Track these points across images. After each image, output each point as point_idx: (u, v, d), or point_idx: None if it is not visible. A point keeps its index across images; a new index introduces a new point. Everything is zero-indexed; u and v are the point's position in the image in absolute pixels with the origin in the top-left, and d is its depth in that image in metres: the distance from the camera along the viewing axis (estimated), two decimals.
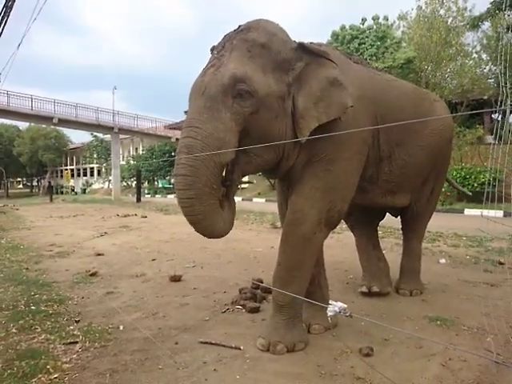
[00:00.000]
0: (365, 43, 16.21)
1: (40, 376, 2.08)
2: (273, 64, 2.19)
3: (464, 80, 14.56)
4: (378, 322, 2.48)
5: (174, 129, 26.07)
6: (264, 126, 2.14)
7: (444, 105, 3.50)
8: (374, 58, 15.29)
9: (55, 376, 2.09)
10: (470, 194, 5.26)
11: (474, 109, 14.81)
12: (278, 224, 7.42)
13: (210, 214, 2.03)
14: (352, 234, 3.71)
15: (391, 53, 15.39)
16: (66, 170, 29.79)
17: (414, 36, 15.60)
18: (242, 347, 2.37)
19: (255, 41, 2.16)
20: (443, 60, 14.59)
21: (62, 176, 39.93)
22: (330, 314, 2.12)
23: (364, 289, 3.29)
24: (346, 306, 2.02)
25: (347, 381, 2.00)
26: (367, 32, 16.51)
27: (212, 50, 2.30)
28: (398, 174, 2.92)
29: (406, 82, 3.57)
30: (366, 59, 12.39)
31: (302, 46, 2.27)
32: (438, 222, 4.54)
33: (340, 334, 2.56)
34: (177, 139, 24.04)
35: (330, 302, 2.16)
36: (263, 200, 16.10)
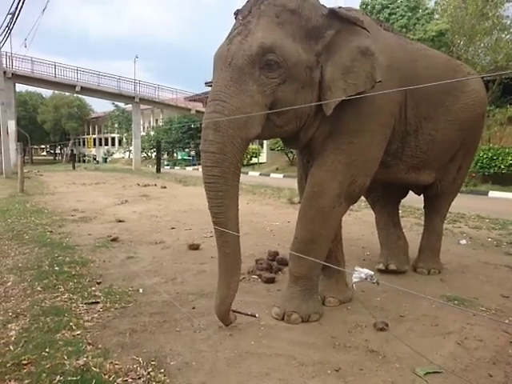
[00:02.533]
0: (395, 13, 15.44)
1: (64, 332, 2.19)
2: (303, 31, 2.09)
3: (498, 56, 13.74)
4: (396, 296, 2.47)
5: (195, 101, 25.91)
6: (289, 96, 2.07)
7: (479, 79, 3.32)
8: (405, 29, 14.58)
9: (78, 333, 2.19)
10: None
11: (506, 87, 14.06)
12: (296, 199, 7.39)
13: (229, 194, 2.02)
14: (372, 210, 3.66)
15: (422, 24, 14.62)
16: (89, 137, 30.19)
17: (447, 7, 14.71)
18: (257, 315, 2.41)
19: (285, 6, 2.06)
20: (478, 34, 13.74)
21: (84, 144, 40.69)
22: (355, 280, 2.09)
23: (381, 266, 3.27)
24: (372, 272, 1.99)
25: (361, 353, 2.02)
26: (398, 2, 15.69)
27: (236, 14, 2.20)
28: (425, 150, 2.82)
29: (439, 52, 3.38)
30: None
31: (333, 12, 2.15)
32: (460, 203, 4.41)
33: (355, 308, 2.57)
34: (196, 111, 23.98)
35: (356, 268, 2.13)
36: (281, 175, 16.00)
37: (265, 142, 19.68)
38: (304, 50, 2.09)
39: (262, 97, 2.00)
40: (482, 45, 14.46)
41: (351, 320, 2.39)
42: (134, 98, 21.55)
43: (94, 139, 39.44)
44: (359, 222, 5.46)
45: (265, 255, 3.64)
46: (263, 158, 21.07)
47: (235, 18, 2.20)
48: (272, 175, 16.46)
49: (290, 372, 1.84)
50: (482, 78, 3.24)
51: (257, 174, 17.17)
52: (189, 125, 24.27)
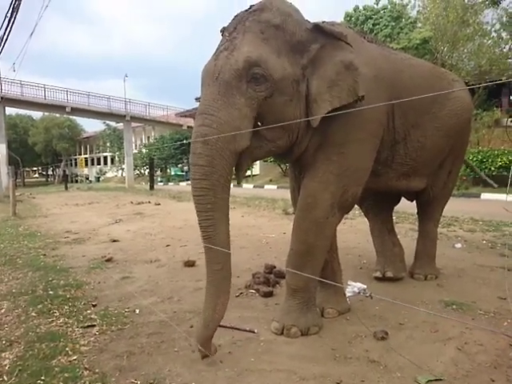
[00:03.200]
0: (379, 24, 15.80)
1: (59, 358, 2.14)
2: (287, 46, 2.13)
3: (482, 61, 14.07)
4: (395, 305, 2.46)
5: (185, 116, 26.06)
6: (278, 110, 2.10)
7: (463, 85, 3.39)
8: (389, 38, 14.89)
9: (74, 358, 2.14)
10: (496, 185, 4.63)
11: (491, 91, 14.35)
12: (290, 210, 7.40)
13: (218, 207, 2.00)
14: (366, 218, 3.67)
15: (406, 33, 14.95)
16: (81, 157, 30.11)
17: (429, 15, 15.07)
18: (256, 330, 2.39)
19: (269, 22, 2.10)
20: (460, 40, 14.08)
21: (76, 165, 40.54)
22: (348, 294, 2.09)
23: (378, 274, 3.27)
24: (365, 286, 1.99)
25: (362, 364, 2.00)
26: (381, 12, 16.08)
27: (222, 31, 2.24)
28: (414, 157, 2.86)
29: (422, 60, 3.45)
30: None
31: (317, 27, 2.20)
32: (453, 207, 4.45)
33: (354, 319, 2.55)
34: (188, 127, 24.11)
35: (349, 282, 2.13)
36: (275, 187, 16.05)
37: None
38: (290, 64, 2.12)
39: (250, 110, 2.02)
40: (466, 50, 14.80)
41: (351, 331, 2.38)
42: (124, 116, 21.66)
43: (86, 159, 39.35)
44: (354, 230, 5.48)
45: (262, 268, 3.62)
46: (256, 169, 21.15)
47: (222, 34, 2.24)
48: (266, 187, 16.52)
49: None
50: (469, 86, 3.30)
51: (251, 186, 17.21)
52: (181, 141, 24.35)
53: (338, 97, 2.20)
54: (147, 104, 23.90)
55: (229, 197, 2.09)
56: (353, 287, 2.01)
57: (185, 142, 24.41)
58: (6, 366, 2.10)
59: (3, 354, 2.23)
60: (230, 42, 2.08)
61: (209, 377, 1.93)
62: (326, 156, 2.33)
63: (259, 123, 2.08)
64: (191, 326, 2.52)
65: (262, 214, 7.74)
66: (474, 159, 11.01)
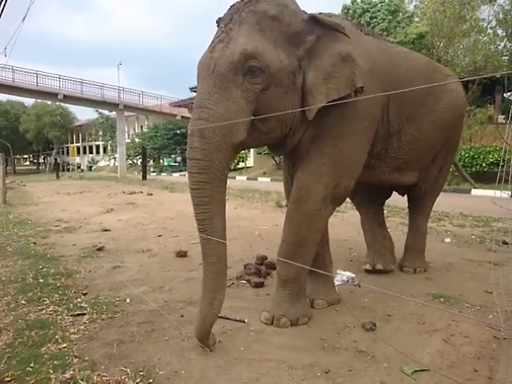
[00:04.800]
0: (376, 17, 15.75)
1: (49, 345, 2.14)
2: (284, 37, 2.11)
3: (477, 57, 14.12)
4: (383, 296, 2.50)
5: (179, 106, 25.83)
6: (274, 102, 2.08)
7: (457, 80, 3.40)
8: (385, 32, 14.87)
9: (64, 346, 2.14)
10: (476, 186, 5.04)
11: (485, 87, 14.43)
12: (283, 202, 7.42)
13: (215, 200, 2.00)
14: (357, 211, 3.70)
15: (403, 27, 14.94)
16: (73, 145, 29.69)
17: (426, 10, 15.05)
18: (246, 320, 2.41)
19: (265, 13, 2.07)
20: (456, 36, 14.11)
21: (68, 153, 40.06)
22: (337, 283, 2.11)
23: (368, 266, 3.30)
24: (354, 275, 2.01)
25: (350, 354, 2.03)
26: (379, 6, 16.02)
27: (218, 22, 2.22)
28: (407, 151, 2.87)
29: (419, 54, 3.45)
30: None
31: (313, 18, 2.18)
32: (444, 202, 4.50)
33: (343, 310, 2.58)
34: (182, 117, 23.91)
35: (338, 271, 2.15)
36: (268, 179, 16.05)
37: None
38: (286, 55, 2.11)
39: (246, 103, 2.01)
40: (461, 46, 14.84)
41: (340, 321, 2.41)
42: (117, 105, 21.39)
43: (78, 147, 38.85)
44: (346, 223, 5.52)
45: (253, 260, 3.64)
46: (250, 162, 21.13)
47: (217, 25, 2.21)
48: (259, 179, 16.51)
49: (280, 376, 1.84)
50: (462, 80, 3.34)
51: (244, 178, 17.19)
52: (174, 131, 24.16)
53: (336, 89, 2.19)
54: (141, 93, 23.63)
55: (225, 190, 2.09)
56: (342, 276, 2.03)
57: (178, 132, 24.25)
58: None
59: None
60: (225, 34, 2.06)
61: (198, 365, 1.94)
62: (320, 148, 2.33)
63: (253, 116, 2.07)
64: (182, 316, 2.54)
65: (255, 206, 7.75)
66: (466, 155, 11.11)
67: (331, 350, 2.08)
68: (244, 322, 2.40)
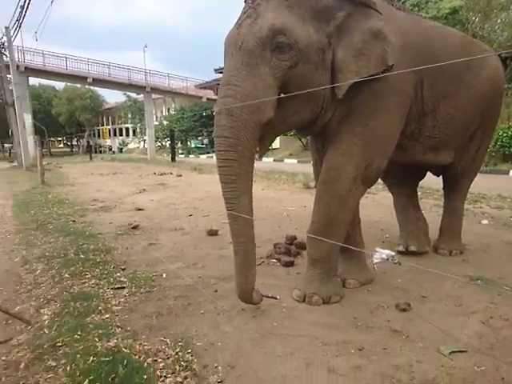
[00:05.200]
0: None
1: (93, 316, 2.27)
2: (312, 13, 2.06)
3: None
4: (418, 277, 2.46)
5: (205, 88, 25.79)
6: (303, 80, 2.05)
7: (496, 55, 3.21)
8: (417, 8, 14.07)
9: (106, 316, 2.27)
10: None
11: None
12: (311, 184, 7.35)
13: (243, 179, 2.02)
14: (390, 193, 3.62)
15: (435, 2, 14.08)
16: (104, 127, 30.33)
17: None
18: (278, 297, 2.45)
19: None
20: (493, 10, 13.15)
21: (99, 135, 41.19)
22: (376, 261, 2.08)
23: (401, 247, 3.24)
24: (394, 253, 1.97)
25: (384, 333, 2.03)
26: None
27: None
28: (443, 130, 2.76)
29: (453, 29, 3.27)
30: None
31: None
32: (481, 183, 4.31)
33: (376, 290, 2.57)
34: (207, 99, 23.90)
35: (377, 249, 2.12)
36: (295, 161, 15.92)
37: None
38: (315, 32, 2.05)
39: (274, 80, 1.99)
40: (499, 21, 13.81)
41: (373, 301, 2.40)
42: (145, 87, 21.59)
43: (109, 130, 39.82)
44: (377, 205, 5.42)
45: (282, 240, 3.66)
46: (276, 143, 20.93)
47: (245, 1, 2.18)
48: (286, 161, 16.42)
49: (314, 351, 1.87)
50: (500, 54, 3.15)
51: (270, 160, 17.12)
52: (200, 113, 24.22)
53: (366, 67, 2.13)
54: (167, 75, 23.73)
55: (253, 169, 2.10)
56: (381, 254, 1.99)
57: (204, 114, 24.29)
58: (45, 320, 2.25)
59: (42, 311, 2.39)
60: (253, 10, 2.02)
61: (234, 338, 2.01)
62: (351, 128, 2.28)
63: (282, 94, 2.05)
64: (216, 291, 2.61)
65: (282, 188, 7.73)
66: (504, 135, 10.53)
67: (364, 328, 2.09)
68: (276, 298, 2.45)
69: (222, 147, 1.99)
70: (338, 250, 2.47)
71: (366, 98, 2.23)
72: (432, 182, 4.01)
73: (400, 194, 3.45)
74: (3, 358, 1.88)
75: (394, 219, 3.54)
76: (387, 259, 1.97)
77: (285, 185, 8.19)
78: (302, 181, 8.16)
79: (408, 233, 3.31)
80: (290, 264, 3.11)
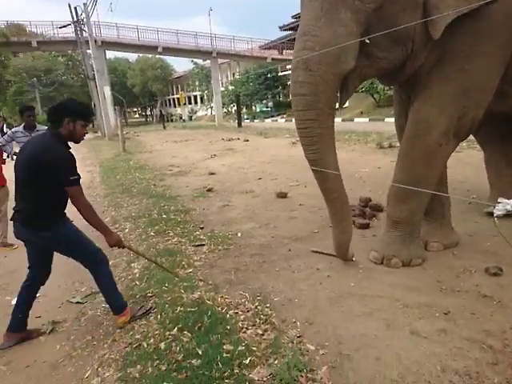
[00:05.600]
0: None
1: (178, 270, 2.45)
2: None
3: None
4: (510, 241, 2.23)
5: (269, 48, 25.12)
6: (389, 22, 1.85)
7: None
8: None
9: (190, 270, 2.45)
10: None
11: None
12: (385, 144, 6.94)
13: (325, 138, 1.95)
14: (481, 148, 3.26)
15: None
16: (181, 93, 31.40)
17: None
18: (354, 258, 2.41)
19: None
20: None
21: (170, 105, 42.93)
22: (498, 213, 1.88)
23: (491, 209, 2.95)
24: None
25: (471, 297, 1.91)
26: None
27: None
28: None
29: None
30: None
31: None
32: None
33: (462, 253, 2.40)
34: (272, 59, 23.30)
35: (500, 199, 1.91)
36: (366, 119, 15.04)
37: None
38: None
39: (357, 25, 1.83)
40: None
41: (459, 265, 2.25)
42: (211, 53, 21.71)
43: (179, 99, 41.22)
44: (462, 164, 4.94)
45: (356, 202, 3.54)
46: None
47: None
48: (356, 120, 15.59)
49: (395, 313, 1.82)
50: None
51: (339, 120, 16.39)
52: (265, 74, 23.77)
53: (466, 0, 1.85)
54: (232, 38, 23.53)
55: (334, 125, 2.01)
56: (504, 204, 1.76)
57: (269, 75, 23.82)
58: (136, 273, 2.50)
59: (132, 265, 2.65)
60: None
61: (310, 296, 2.04)
62: (445, 74, 2.04)
63: (367, 41, 1.88)
64: (289, 250, 2.66)
65: (353, 149, 7.42)
66: None
67: (450, 292, 1.98)
68: (352, 260, 2.41)
69: (300, 106, 1.91)
70: (422, 212, 2.31)
71: (464, 38, 1.96)
72: None
73: (493, 149, 3.10)
74: (103, 306, 2.14)
75: (481, 179, 3.23)
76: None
77: (356, 145, 7.84)
78: (375, 140, 7.74)
79: (500, 192, 2.98)
80: (365, 226, 3.02)
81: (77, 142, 1.84)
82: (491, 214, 2.94)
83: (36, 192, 1.72)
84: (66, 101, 1.87)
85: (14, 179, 1.79)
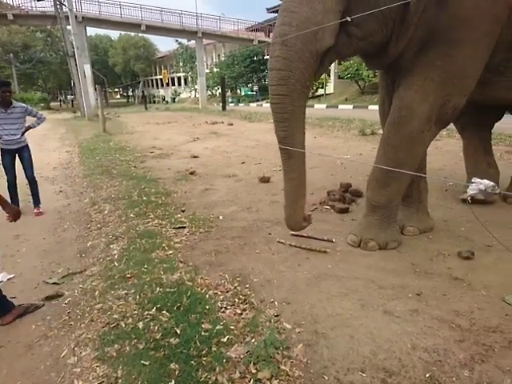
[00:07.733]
0: None
1: (158, 251, 2.45)
2: None
3: None
4: (482, 226, 2.31)
5: (256, 31, 24.71)
6: (370, 0, 1.83)
7: None
8: None
9: (170, 252, 2.44)
10: None
11: None
12: (368, 131, 7.00)
13: (295, 115, 1.92)
14: (460, 136, 3.34)
15: None
16: (164, 71, 30.59)
17: None
18: (334, 240, 2.45)
19: None
20: None
21: (153, 86, 41.93)
22: (471, 192, 1.90)
23: (465, 195, 3.04)
24: (493, 183, 1.76)
25: (444, 280, 1.98)
26: None
27: None
28: None
29: None
30: None
31: None
32: None
33: (436, 238, 2.48)
34: (259, 41, 22.95)
35: (474, 179, 1.93)
36: (350, 106, 15.10)
37: (332, 70, 18.37)
38: None
39: (335, 2, 1.79)
40: None
41: (433, 249, 2.33)
42: (196, 32, 21.19)
43: (161, 79, 40.29)
44: (441, 152, 5.05)
45: (336, 187, 3.59)
46: (330, 88, 19.91)
47: None
48: (340, 107, 15.63)
49: (369, 293, 1.88)
50: None
51: (323, 106, 16.43)
52: (251, 57, 23.44)
53: None
54: (218, 18, 23.00)
55: (306, 105, 1.99)
56: (477, 184, 1.78)
57: (255, 58, 23.50)
58: (115, 255, 2.48)
59: (111, 246, 2.62)
60: None
61: (289, 277, 2.08)
62: (429, 59, 2.05)
63: (348, 18, 1.85)
64: (270, 234, 2.68)
65: (337, 135, 7.46)
66: None
67: (423, 274, 2.05)
68: (332, 241, 2.46)
69: (273, 81, 1.88)
70: (400, 197, 2.36)
71: (450, 23, 1.96)
72: (505, 128, 3.61)
73: (472, 137, 3.17)
74: (80, 286, 2.12)
75: (459, 167, 3.31)
76: (485, 189, 1.77)
77: (339, 132, 7.88)
78: (358, 127, 7.80)
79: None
80: (344, 210, 3.07)
81: None
82: (465, 200, 3.04)
83: None
84: None
85: None
